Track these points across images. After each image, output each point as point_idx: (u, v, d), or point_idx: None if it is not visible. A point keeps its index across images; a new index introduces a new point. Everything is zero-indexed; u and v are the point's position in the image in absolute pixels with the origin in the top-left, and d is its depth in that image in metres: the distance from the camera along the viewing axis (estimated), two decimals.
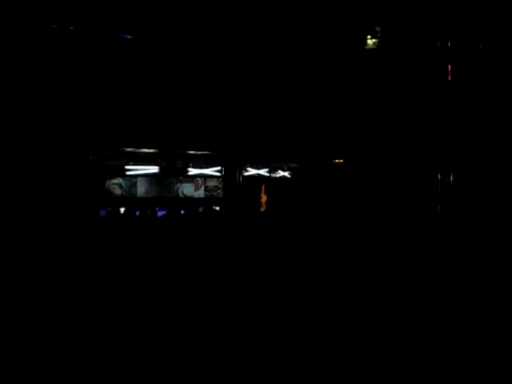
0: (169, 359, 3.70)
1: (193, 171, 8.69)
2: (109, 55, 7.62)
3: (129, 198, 8.31)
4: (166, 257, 6.44)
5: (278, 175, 9.29)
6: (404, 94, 8.86)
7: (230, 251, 6.99)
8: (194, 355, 3.76)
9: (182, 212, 8.55)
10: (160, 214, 8.41)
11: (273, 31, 8.32)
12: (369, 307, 4.95)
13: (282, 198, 9.12)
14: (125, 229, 7.59)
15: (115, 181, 8.26)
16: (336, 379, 3.44)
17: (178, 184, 8.86)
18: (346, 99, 8.82)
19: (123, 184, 8.33)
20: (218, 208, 8.81)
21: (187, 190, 8.91)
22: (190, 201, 8.84)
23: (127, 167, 8.14)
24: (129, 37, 7.72)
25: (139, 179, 8.45)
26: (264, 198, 9.13)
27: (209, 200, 8.95)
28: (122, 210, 8.06)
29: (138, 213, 8.11)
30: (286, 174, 9.35)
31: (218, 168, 8.73)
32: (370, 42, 8.90)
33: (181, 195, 8.86)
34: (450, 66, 8.77)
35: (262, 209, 9.11)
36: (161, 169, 8.43)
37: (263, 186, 9.14)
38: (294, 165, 9.32)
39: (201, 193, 8.99)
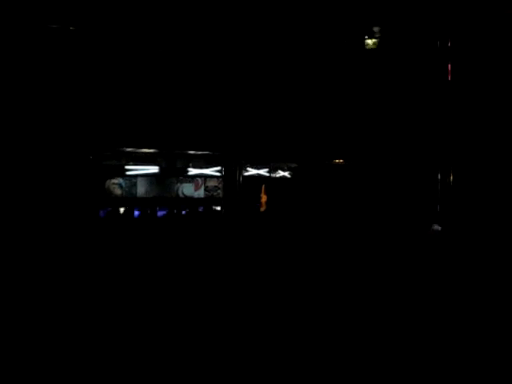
0: (169, 359, 3.70)
1: (193, 171, 8.70)
2: (109, 55, 7.64)
3: (129, 198, 8.31)
4: (166, 257, 6.44)
5: (278, 175, 9.30)
6: (404, 94, 8.87)
7: (230, 251, 6.99)
8: (194, 355, 3.76)
9: (182, 212, 8.56)
10: (160, 213, 8.42)
11: (273, 32, 8.33)
12: (370, 305, 4.95)
13: (282, 198, 9.12)
14: (125, 229, 7.59)
15: (115, 181, 8.26)
16: (336, 379, 3.44)
17: (178, 184, 8.86)
18: (346, 99, 8.83)
19: (123, 184, 8.33)
20: (218, 208, 8.82)
21: (187, 189, 8.91)
22: (190, 201, 8.84)
23: (127, 167, 8.16)
24: (128, 37, 7.74)
25: (139, 179, 8.45)
26: (264, 198, 9.13)
27: (209, 200, 8.94)
28: (122, 209, 8.07)
29: (137, 213, 8.12)
30: (286, 173, 9.35)
31: (218, 168, 8.74)
32: (370, 42, 8.90)
33: (181, 195, 8.86)
34: (450, 66, 8.77)
35: (262, 209, 9.12)
36: (161, 169, 8.44)
37: (263, 186, 9.14)
38: (294, 165, 9.33)
39: (201, 193, 8.99)
